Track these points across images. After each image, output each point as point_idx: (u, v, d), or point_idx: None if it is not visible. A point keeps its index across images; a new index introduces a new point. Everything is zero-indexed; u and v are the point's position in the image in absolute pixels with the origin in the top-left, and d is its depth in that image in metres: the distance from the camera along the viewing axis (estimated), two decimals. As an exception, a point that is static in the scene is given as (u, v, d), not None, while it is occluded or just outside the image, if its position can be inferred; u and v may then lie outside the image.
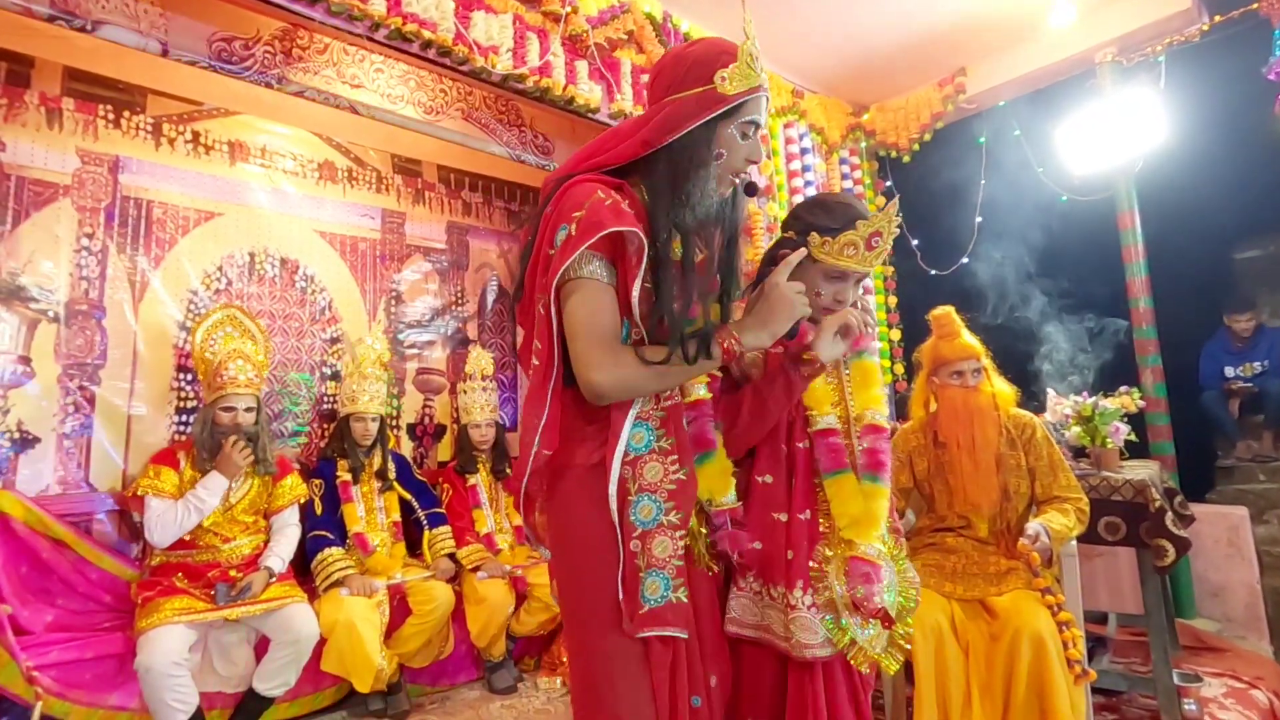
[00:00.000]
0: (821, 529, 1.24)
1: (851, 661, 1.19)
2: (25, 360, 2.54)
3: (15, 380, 2.51)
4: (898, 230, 1.25)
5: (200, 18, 2.31)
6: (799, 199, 3.99)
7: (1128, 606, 2.91)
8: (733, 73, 1.09)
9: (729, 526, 1.20)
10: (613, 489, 1.09)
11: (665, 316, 1.10)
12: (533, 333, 1.13)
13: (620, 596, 1.08)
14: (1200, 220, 3.50)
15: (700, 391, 1.23)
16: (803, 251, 1.22)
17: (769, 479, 1.28)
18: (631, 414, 1.11)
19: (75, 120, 2.71)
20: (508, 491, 3.32)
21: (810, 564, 1.21)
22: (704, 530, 1.22)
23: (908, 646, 1.23)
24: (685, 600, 1.10)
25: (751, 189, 1.24)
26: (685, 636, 1.09)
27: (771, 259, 1.35)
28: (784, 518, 1.25)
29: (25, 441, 2.52)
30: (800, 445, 1.29)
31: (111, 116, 2.80)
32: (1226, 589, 3.24)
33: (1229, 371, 3.89)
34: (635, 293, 1.09)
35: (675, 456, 1.11)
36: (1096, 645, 2.78)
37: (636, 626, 1.06)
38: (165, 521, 2.37)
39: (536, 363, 1.10)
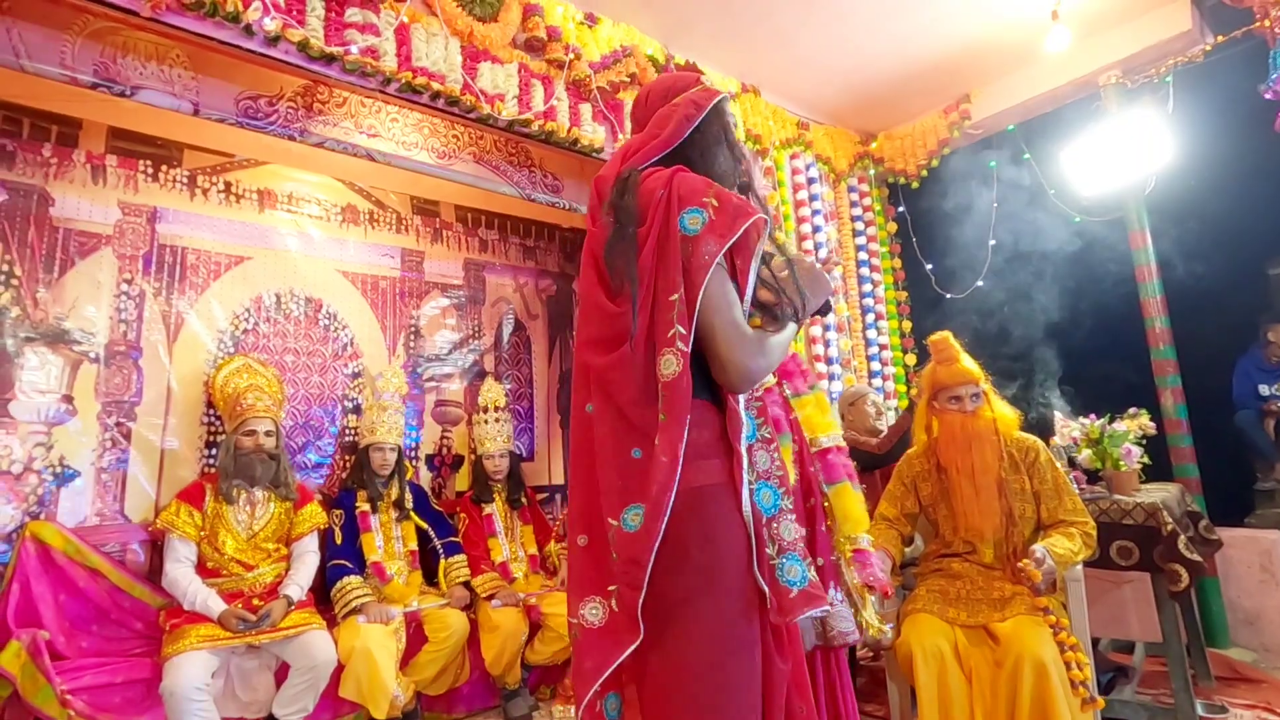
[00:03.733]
0: (831, 531, 1.52)
1: (867, 632, 1.52)
2: (68, 399, 2.71)
3: (58, 418, 2.68)
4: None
5: (228, 79, 2.50)
6: (807, 227, 4.06)
7: (1158, 635, 2.83)
8: (708, 80, 1.32)
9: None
10: (746, 478, 1.07)
11: (792, 295, 1.16)
12: (653, 321, 1.07)
13: (765, 589, 1.05)
14: (1223, 237, 3.44)
15: (770, 379, 1.34)
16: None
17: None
18: (742, 403, 1.12)
19: (117, 175, 2.92)
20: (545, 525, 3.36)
21: (832, 559, 1.50)
22: None
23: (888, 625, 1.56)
24: (818, 578, 1.11)
25: (744, 188, 1.41)
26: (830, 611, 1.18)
27: None
28: (804, 532, 1.42)
29: (66, 475, 2.68)
30: (812, 469, 1.52)
31: (150, 171, 3.01)
32: (1262, 617, 3.12)
33: (1263, 390, 3.77)
34: (752, 278, 1.11)
35: (774, 445, 1.16)
36: (1119, 675, 2.71)
37: (791, 611, 1.04)
38: (175, 587, 2.49)
39: (684, 349, 1.02)
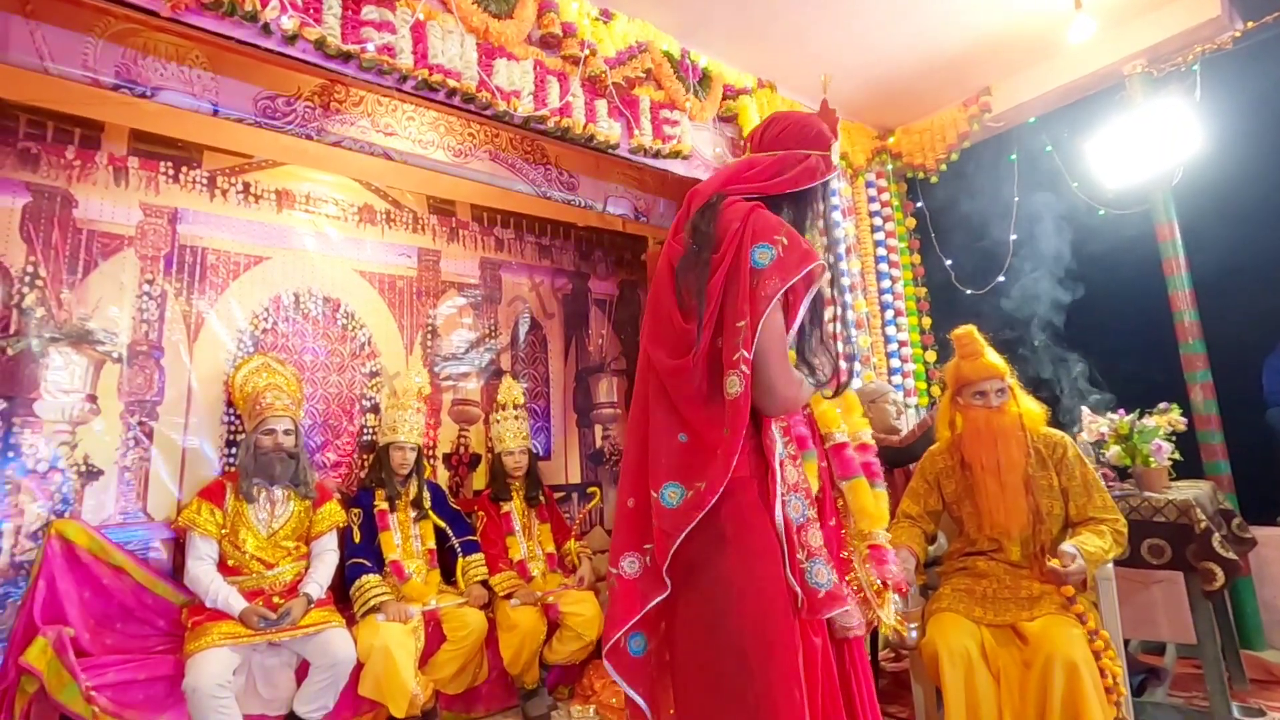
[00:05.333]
0: (843, 531, 1.50)
1: (881, 631, 1.49)
2: (92, 398, 2.74)
3: (82, 417, 2.71)
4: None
5: (246, 79, 2.52)
6: (823, 223, 4.00)
7: (1191, 636, 2.76)
8: (835, 149, 1.41)
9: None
10: (779, 489, 1.21)
11: (824, 341, 1.30)
12: (714, 341, 1.20)
13: (796, 588, 1.18)
14: (1254, 228, 3.36)
15: None
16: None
17: None
18: (775, 424, 1.25)
19: (139, 177, 2.95)
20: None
21: (842, 555, 1.47)
22: None
23: (912, 625, 1.54)
24: (838, 579, 1.24)
25: None
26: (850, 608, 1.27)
27: None
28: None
29: (90, 474, 2.71)
30: (822, 465, 1.49)
31: (171, 172, 3.04)
32: (1298, 618, 3.04)
33: (1294, 386, 3.68)
34: (799, 319, 1.24)
35: (800, 461, 1.29)
36: (1150, 676, 2.64)
37: (820, 609, 1.18)
38: (197, 585, 2.50)
39: (746, 371, 1.15)
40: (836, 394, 1.36)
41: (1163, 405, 2.64)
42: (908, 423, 3.14)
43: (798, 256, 1.18)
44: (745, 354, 1.14)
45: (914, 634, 1.87)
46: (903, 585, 1.50)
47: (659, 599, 1.19)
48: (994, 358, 2.23)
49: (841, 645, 1.44)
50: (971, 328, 2.29)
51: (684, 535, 1.15)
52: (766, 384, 1.17)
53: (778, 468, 1.21)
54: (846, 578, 1.45)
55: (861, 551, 1.48)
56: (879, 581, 1.44)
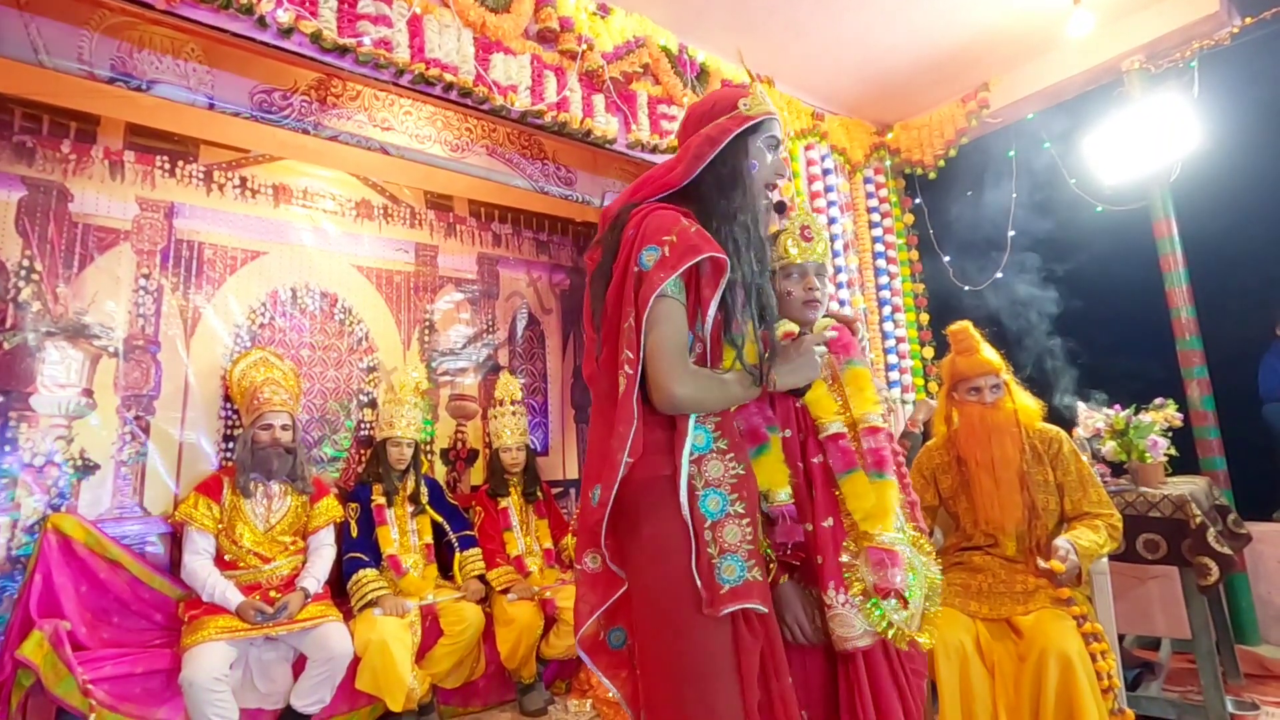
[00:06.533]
0: (845, 527, 1.35)
1: (893, 641, 1.30)
2: (88, 393, 2.74)
3: (79, 411, 2.71)
4: (816, 217, 1.45)
5: (242, 72, 2.51)
6: (823, 219, 4.01)
7: (1186, 631, 2.77)
8: (751, 100, 1.31)
9: (785, 521, 1.34)
10: (683, 485, 1.19)
11: (732, 337, 1.25)
12: (616, 345, 1.21)
13: (698, 584, 1.15)
14: (1251, 225, 3.36)
15: None
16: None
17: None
18: (693, 418, 1.22)
19: (135, 171, 2.95)
20: (566, 521, 3.36)
21: (842, 560, 1.32)
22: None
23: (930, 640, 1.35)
24: (761, 579, 1.18)
25: (781, 207, 1.41)
26: (766, 610, 1.18)
27: None
28: (808, 527, 1.36)
29: (86, 468, 2.71)
30: (815, 460, 1.39)
31: (167, 166, 3.03)
32: (1292, 613, 3.05)
33: (1291, 384, 3.68)
34: (711, 312, 1.22)
35: (732, 455, 1.23)
36: (1144, 671, 2.65)
37: (718, 605, 1.13)
38: (194, 579, 2.50)
39: (629, 372, 1.16)
40: (759, 386, 1.27)
41: (1159, 401, 2.65)
42: (898, 421, 3.13)
43: (680, 252, 1.17)
44: (629, 354, 1.16)
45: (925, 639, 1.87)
46: (896, 591, 1.28)
47: (619, 593, 1.22)
48: (989, 353, 2.23)
49: (847, 663, 1.29)
50: (967, 323, 2.29)
51: (601, 532, 1.19)
52: (650, 378, 1.17)
53: (684, 463, 1.19)
54: (842, 588, 1.28)
55: (862, 554, 1.31)
56: (873, 586, 1.27)
